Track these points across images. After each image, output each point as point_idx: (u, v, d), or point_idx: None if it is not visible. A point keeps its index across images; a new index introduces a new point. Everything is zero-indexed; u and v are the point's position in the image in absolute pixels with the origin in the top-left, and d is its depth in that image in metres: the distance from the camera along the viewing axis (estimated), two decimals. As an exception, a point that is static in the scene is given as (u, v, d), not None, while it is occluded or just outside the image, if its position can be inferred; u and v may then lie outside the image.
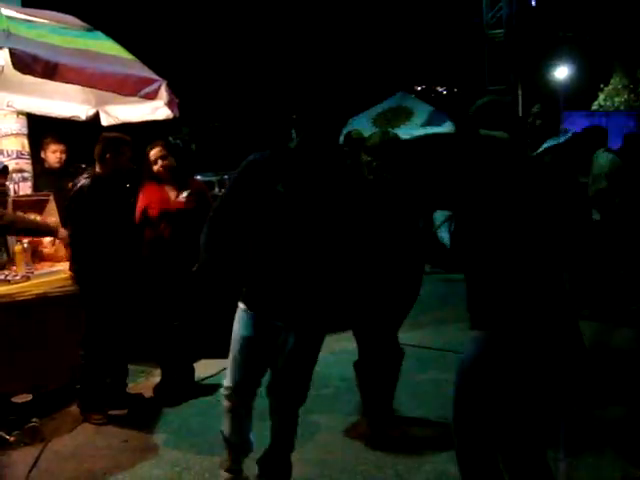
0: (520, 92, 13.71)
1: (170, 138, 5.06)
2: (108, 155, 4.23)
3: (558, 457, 3.54)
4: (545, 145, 4.36)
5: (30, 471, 3.55)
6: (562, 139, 4.34)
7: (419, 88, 21.64)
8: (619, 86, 20.90)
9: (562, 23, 17.73)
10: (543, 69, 20.48)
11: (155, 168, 4.57)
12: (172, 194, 4.60)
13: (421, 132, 10.62)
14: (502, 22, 11.82)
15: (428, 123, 10.81)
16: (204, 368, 5.17)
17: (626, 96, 20.64)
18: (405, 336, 4.13)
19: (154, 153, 4.57)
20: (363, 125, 9.91)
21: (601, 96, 21.09)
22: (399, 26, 18.70)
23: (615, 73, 20.96)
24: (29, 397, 4.11)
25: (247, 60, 16.01)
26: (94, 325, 4.20)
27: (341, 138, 7.41)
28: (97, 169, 4.28)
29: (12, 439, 3.84)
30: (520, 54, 12.26)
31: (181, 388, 4.64)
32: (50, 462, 3.68)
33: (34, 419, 3.99)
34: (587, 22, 18.49)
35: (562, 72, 20.49)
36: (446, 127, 10.54)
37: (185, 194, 4.58)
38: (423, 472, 3.46)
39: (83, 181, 4.17)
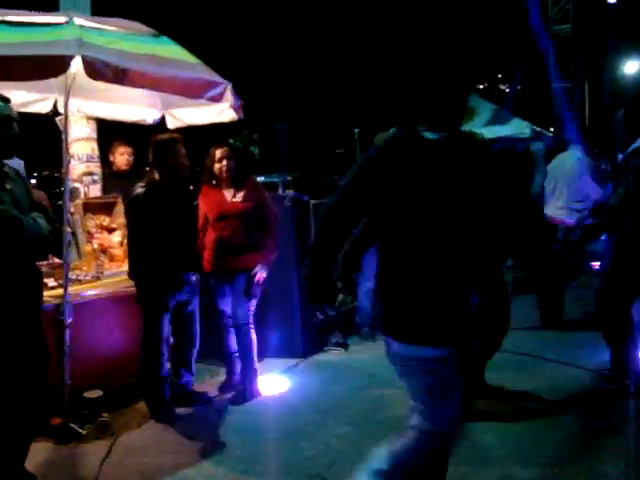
0: (587, 89, 13.30)
1: (231, 140, 5.14)
2: (163, 158, 4.30)
3: (629, 465, 3.44)
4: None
5: (102, 463, 3.66)
6: None
7: (481, 86, 21.29)
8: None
9: (631, 15, 17.11)
10: (611, 64, 19.83)
11: (217, 167, 4.64)
12: (229, 196, 4.66)
13: (484, 131, 10.42)
14: (569, 17, 11.48)
15: (492, 122, 10.60)
16: (269, 367, 5.22)
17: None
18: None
19: (221, 151, 4.64)
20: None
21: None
22: (461, 24, 18.46)
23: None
24: (100, 393, 4.23)
25: (312, 63, 16.09)
26: (152, 328, 4.28)
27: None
28: (155, 175, 4.36)
29: (84, 432, 3.97)
30: (588, 49, 11.91)
31: (246, 387, 4.69)
32: (120, 455, 3.79)
33: (105, 414, 4.11)
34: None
35: (632, 67, 19.81)
36: (511, 125, 10.31)
37: (241, 194, 4.65)
38: (489, 475, 3.39)
39: (138, 190, 4.26)
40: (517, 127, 10.44)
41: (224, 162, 4.62)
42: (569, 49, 11.81)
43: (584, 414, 4.22)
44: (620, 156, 4.71)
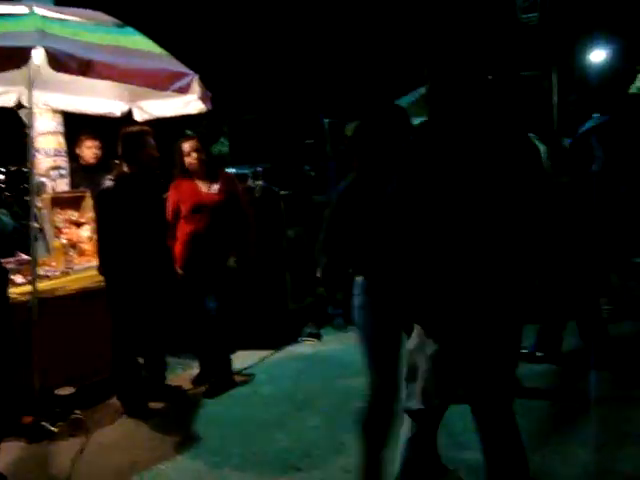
0: (555, 77, 13.41)
1: (188, 132, 5.11)
2: (133, 151, 4.23)
3: (597, 447, 3.50)
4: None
5: (75, 461, 3.61)
6: (600, 120, 4.47)
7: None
8: (657, 67, 20.36)
9: (597, 5, 17.29)
10: (578, 53, 20.03)
11: (188, 160, 4.59)
12: (203, 187, 4.63)
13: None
14: (536, 5, 11.56)
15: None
16: (242, 359, 5.21)
17: (665, 77, 20.10)
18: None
19: (189, 145, 4.60)
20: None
21: (639, 78, 20.56)
22: (428, 14, 18.50)
23: (653, 54, 20.43)
24: (72, 390, 4.18)
25: (281, 53, 15.97)
26: (121, 323, 4.23)
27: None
28: (124, 167, 4.30)
29: (57, 430, 3.92)
30: (555, 38, 12.02)
31: (219, 380, 4.68)
32: (94, 453, 3.74)
33: (77, 411, 4.07)
34: (622, 2, 18.02)
35: (598, 55, 20.02)
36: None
37: (216, 186, 4.62)
38: (459, 460, 3.43)
39: (107, 183, 4.20)
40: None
41: (193, 155, 4.58)
42: (537, 38, 11.89)
43: (553, 398, 4.28)
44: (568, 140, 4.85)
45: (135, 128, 4.40)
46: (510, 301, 2.42)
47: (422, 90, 11.48)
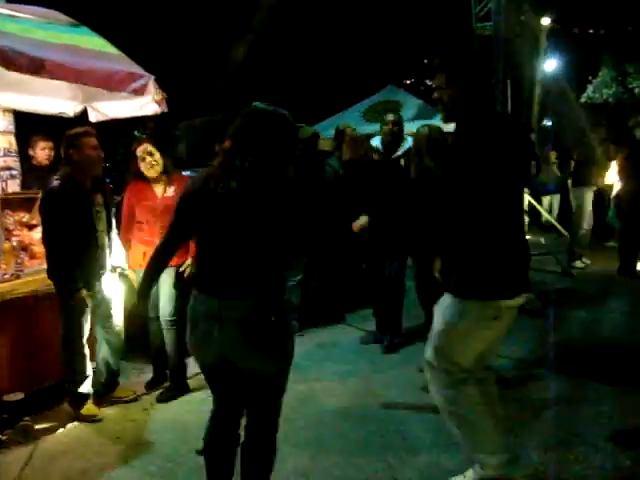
0: (509, 85, 13.68)
1: (136, 132, 5.01)
2: (71, 152, 4.11)
3: (549, 448, 3.57)
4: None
5: (22, 469, 3.53)
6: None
7: (408, 82, 21.63)
8: (607, 78, 20.95)
9: (550, 15, 17.70)
10: (532, 62, 20.46)
11: (142, 165, 4.53)
12: (159, 190, 4.57)
13: (410, 126, 10.60)
14: (490, 14, 11.75)
15: (417, 117, 10.81)
16: (195, 365, 5.15)
17: (614, 88, 20.71)
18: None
19: (142, 149, 4.52)
20: (353, 119, 9.92)
21: (590, 88, 21.15)
22: (388, 20, 18.69)
23: (603, 65, 21.00)
24: (21, 395, 4.08)
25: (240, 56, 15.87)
26: (72, 327, 4.14)
27: (332, 132, 7.44)
28: (69, 170, 4.19)
29: (4, 438, 3.83)
30: (508, 47, 12.24)
31: (173, 384, 4.63)
32: (43, 460, 3.67)
33: (26, 418, 3.98)
34: (575, 14, 18.51)
35: (550, 65, 20.50)
36: (436, 120, 10.50)
37: (172, 189, 4.56)
38: (415, 464, 3.46)
39: (54, 183, 4.10)
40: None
41: (147, 159, 4.50)
42: (491, 47, 12.09)
43: (505, 401, 4.35)
44: None
45: (76, 129, 4.26)
46: None
47: (379, 97, 11.62)
